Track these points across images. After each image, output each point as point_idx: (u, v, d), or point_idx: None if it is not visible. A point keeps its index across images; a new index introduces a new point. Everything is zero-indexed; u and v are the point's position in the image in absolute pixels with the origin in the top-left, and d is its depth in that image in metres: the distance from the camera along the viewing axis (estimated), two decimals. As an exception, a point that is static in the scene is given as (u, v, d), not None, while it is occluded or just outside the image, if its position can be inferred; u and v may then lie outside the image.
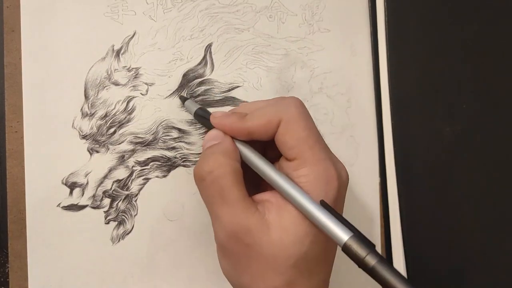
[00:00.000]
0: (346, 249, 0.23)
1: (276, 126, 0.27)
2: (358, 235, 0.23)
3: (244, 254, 0.26)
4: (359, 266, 0.23)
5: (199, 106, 0.31)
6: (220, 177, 0.26)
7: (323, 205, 0.25)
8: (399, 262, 0.37)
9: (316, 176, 0.26)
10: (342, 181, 0.27)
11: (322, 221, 0.24)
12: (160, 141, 0.33)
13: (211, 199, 0.27)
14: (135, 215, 0.32)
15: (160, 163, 0.33)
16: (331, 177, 0.26)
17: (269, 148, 0.28)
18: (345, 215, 0.36)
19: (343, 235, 0.23)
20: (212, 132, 0.29)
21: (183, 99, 0.32)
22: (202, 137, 0.34)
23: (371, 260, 0.22)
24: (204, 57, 0.34)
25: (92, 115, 0.32)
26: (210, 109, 0.34)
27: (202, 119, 0.30)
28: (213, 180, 0.26)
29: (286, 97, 0.28)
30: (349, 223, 0.24)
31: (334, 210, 0.25)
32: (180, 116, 0.33)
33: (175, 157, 0.33)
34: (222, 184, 0.26)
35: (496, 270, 0.38)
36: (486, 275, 0.38)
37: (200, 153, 0.33)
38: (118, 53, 0.32)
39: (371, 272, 0.22)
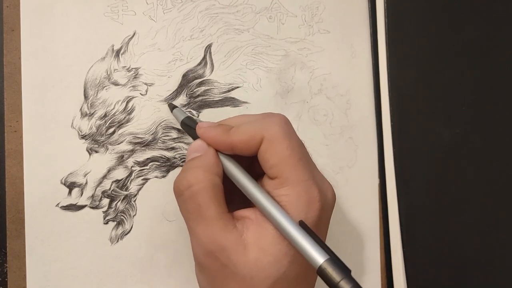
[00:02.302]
0: (320, 272, 0.23)
1: (258, 143, 0.26)
2: (334, 259, 0.23)
3: (220, 272, 0.25)
4: None
5: (187, 115, 0.31)
6: (198, 193, 0.26)
7: (302, 225, 0.24)
8: (398, 263, 0.37)
9: (297, 196, 0.25)
10: (325, 203, 0.26)
11: (298, 242, 0.24)
12: (159, 141, 0.33)
13: (188, 215, 0.26)
14: (134, 215, 0.32)
15: (159, 164, 0.33)
16: (313, 198, 0.26)
17: (256, 163, 0.28)
18: (344, 217, 0.36)
19: (319, 258, 0.23)
20: (196, 143, 0.28)
21: (172, 107, 0.32)
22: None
23: (345, 286, 0.22)
24: (204, 57, 0.34)
25: (91, 115, 0.32)
26: (210, 110, 0.34)
27: (188, 128, 0.30)
28: (191, 195, 0.26)
29: (273, 114, 0.28)
30: (326, 246, 0.24)
31: (312, 231, 0.24)
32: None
33: (174, 158, 0.33)
34: (200, 200, 0.25)
35: (496, 271, 0.38)
36: (487, 278, 0.38)
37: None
38: (117, 53, 0.32)
39: None
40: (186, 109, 0.33)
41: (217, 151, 0.28)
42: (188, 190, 0.26)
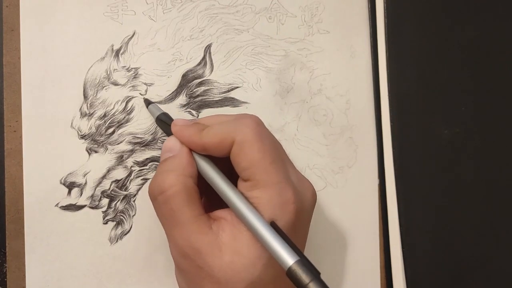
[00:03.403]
0: (290, 273, 0.22)
1: (229, 146, 0.26)
2: (304, 261, 0.23)
3: (197, 274, 0.25)
4: None
5: (163, 112, 0.31)
6: (171, 198, 0.25)
7: (273, 226, 0.24)
8: (397, 264, 0.37)
9: (269, 199, 0.25)
10: (301, 205, 0.26)
11: (268, 243, 0.23)
12: (159, 141, 0.33)
13: (163, 219, 0.26)
14: (133, 216, 0.32)
15: (158, 163, 0.33)
16: (286, 200, 0.25)
17: None
18: (344, 217, 0.36)
19: (289, 259, 0.23)
20: (170, 141, 0.28)
21: (147, 103, 0.32)
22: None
23: None
24: (204, 57, 0.34)
25: (91, 115, 0.32)
26: (210, 110, 0.34)
27: (164, 125, 0.30)
28: (165, 200, 0.26)
29: (245, 116, 0.27)
30: (297, 247, 0.23)
31: (283, 233, 0.24)
32: (179, 116, 0.33)
33: (174, 158, 0.33)
34: (173, 205, 0.25)
35: (495, 271, 0.38)
36: (486, 278, 0.38)
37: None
38: (117, 53, 0.32)
39: None
40: (186, 109, 0.33)
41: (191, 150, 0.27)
42: (161, 195, 0.26)
